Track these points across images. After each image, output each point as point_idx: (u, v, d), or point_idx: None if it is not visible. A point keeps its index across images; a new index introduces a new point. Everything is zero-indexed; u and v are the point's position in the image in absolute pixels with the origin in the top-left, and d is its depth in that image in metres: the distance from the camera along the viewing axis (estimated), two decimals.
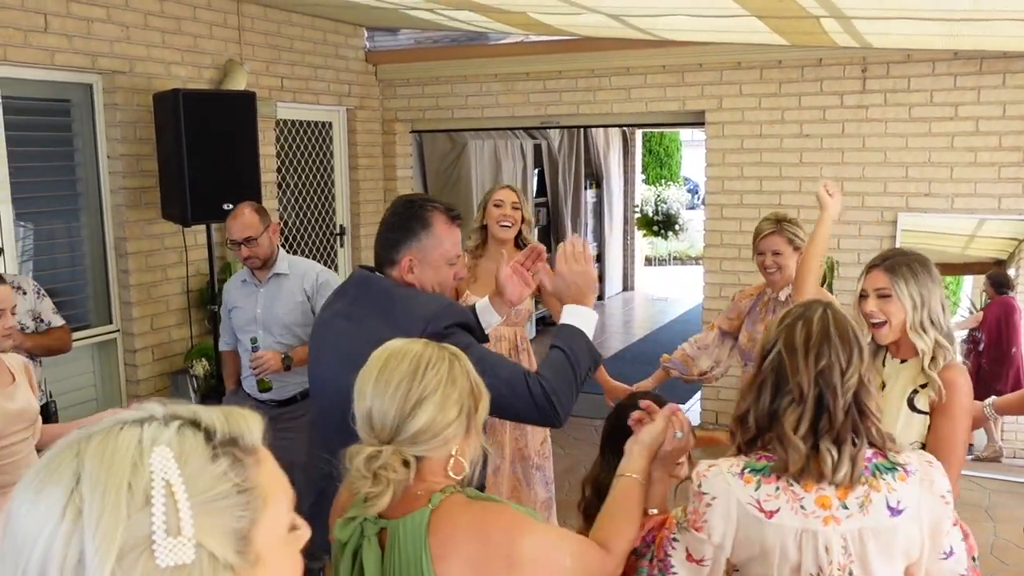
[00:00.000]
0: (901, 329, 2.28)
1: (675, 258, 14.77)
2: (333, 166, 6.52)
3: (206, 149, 4.49)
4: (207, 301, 4.95)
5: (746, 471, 1.62)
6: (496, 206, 3.62)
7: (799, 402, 1.62)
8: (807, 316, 1.67)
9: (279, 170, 5.90)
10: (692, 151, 16.07)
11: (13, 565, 0.67)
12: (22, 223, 4.42)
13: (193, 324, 5.09)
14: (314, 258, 6.27)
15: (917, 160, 5.29)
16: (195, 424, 0.74)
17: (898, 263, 2.30)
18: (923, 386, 2.26)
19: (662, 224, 15.60)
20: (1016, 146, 5.05)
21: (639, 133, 12.38)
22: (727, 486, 1.61)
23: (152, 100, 4.65)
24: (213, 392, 4.76)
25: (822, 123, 5.49)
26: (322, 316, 2.29)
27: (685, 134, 16.60)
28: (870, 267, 2.36)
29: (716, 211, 5.87)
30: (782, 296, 3.33)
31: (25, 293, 3.59)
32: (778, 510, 1.58)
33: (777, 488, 1.59)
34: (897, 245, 5.20)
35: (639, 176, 13.16)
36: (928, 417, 2.26)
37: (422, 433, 1.44)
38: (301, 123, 6.20)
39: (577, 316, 2.08)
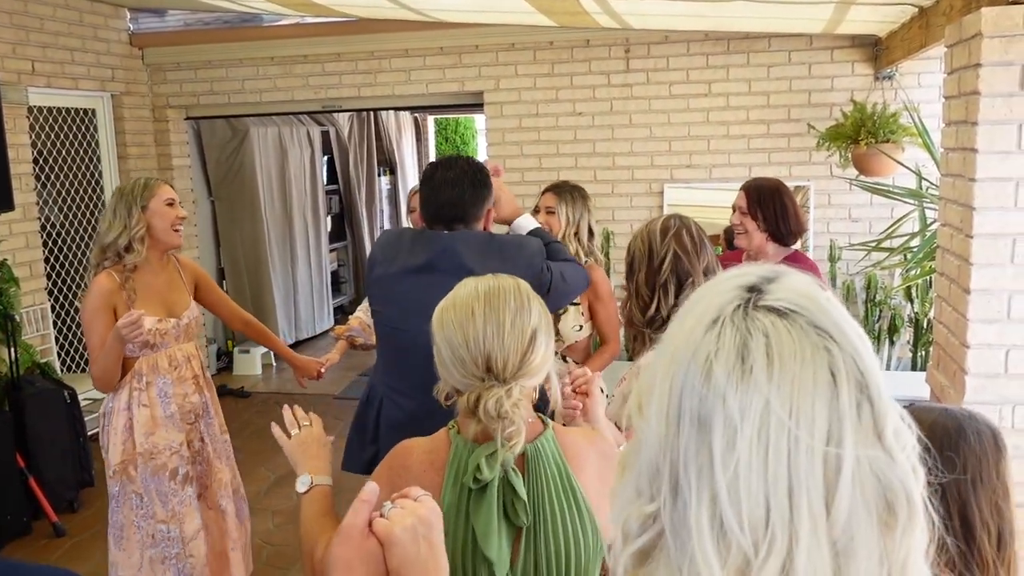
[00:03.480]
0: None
1: None
2: (100, 156, 6.11)
3: None
4: None
5: None
6: (168, 205, 2.97)
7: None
8: (686, 225, 2.16)
9: (36, 161, 5.46)
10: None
11: None
12: None
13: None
14: (82, 255, 5.87)
15: (679, 134, 5.68)
16: None
17: (563, 189, 3.28)
18: None
19: None
20: (761, 119, 5.54)
21: (431, 119, 12.46)
22: None
23: None
24: None
25: (592, 101, 5.77)
26: (403, 279, 2.35)
27: (480, 120, 16.88)
28: (544, 190, 3.33)
29: None
30: None
31: None
32: None
33: None
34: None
35: None
36: (580, 306, 3.13)
37: (540, 365, 1.49)
38: (59, 110, 5.76)
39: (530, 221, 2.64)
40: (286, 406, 1.83)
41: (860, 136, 4.80)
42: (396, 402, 2.40)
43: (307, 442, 1.73)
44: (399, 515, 1.07)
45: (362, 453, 2.51)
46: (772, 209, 3.06)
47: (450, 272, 2.01)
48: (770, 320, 0.71)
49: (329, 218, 9.05)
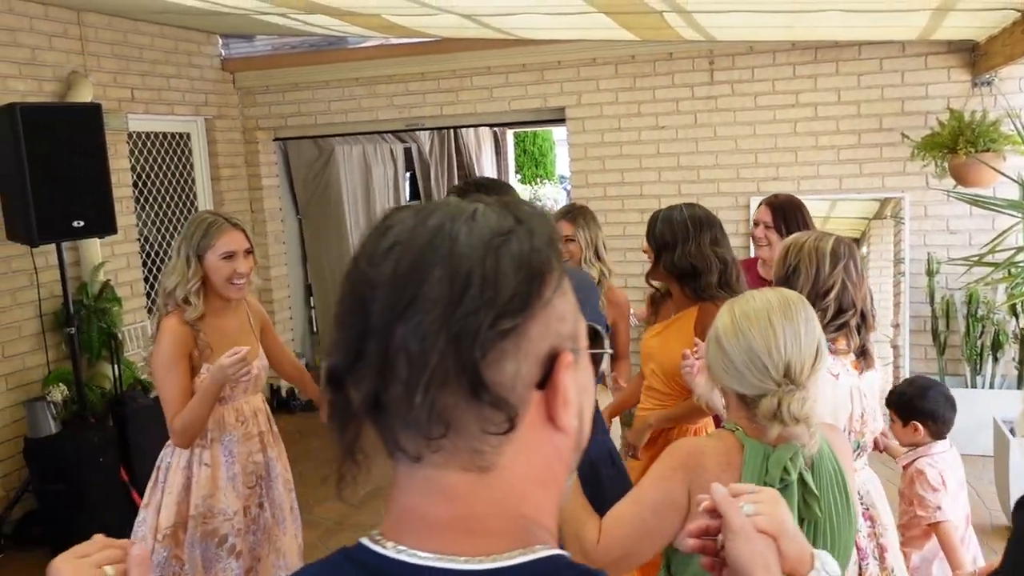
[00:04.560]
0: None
1: None
2: (194, 178, 6.33)
3: (51, 165, 4.28)
4: (63, 324, 4.73)
5: None
6: (226, 258, 2.72)
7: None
8: (852, 255, 2.27)
9: (135, 184, 5.69)
10: (566, 148, 16.34)
11: None
12: None
13: (49, 349, 4.85)
14: None
15: (765, 146, 5.57)
16: None
17: (575, 214, 3.37)
18: None
19: None
20: (852, 129, 5.39)
21: (510, 133, 12.52)
22: None
23: None
24: (74, 418, 4.55)
25: (676, 114, 5.70)
26: None
27: (558, 132, 16.89)
28: (558, 219, 3.32)
29: None
30: None
31: None
32: (839, 374, 2.20)
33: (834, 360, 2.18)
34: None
35: (514, 176, 13.31)
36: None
37: (821, 368, 1.60)
38: (157, 135, 5.99)
39: None
40: None
41: (958, 145, 4.63)
42: None
43: None
44: (771, 508, 1.10)
45: None
46: (796, 223, 3.28)
47: None
48: None
49: None
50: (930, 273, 5.20)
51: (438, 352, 0.67)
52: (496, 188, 2.03)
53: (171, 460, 2.73)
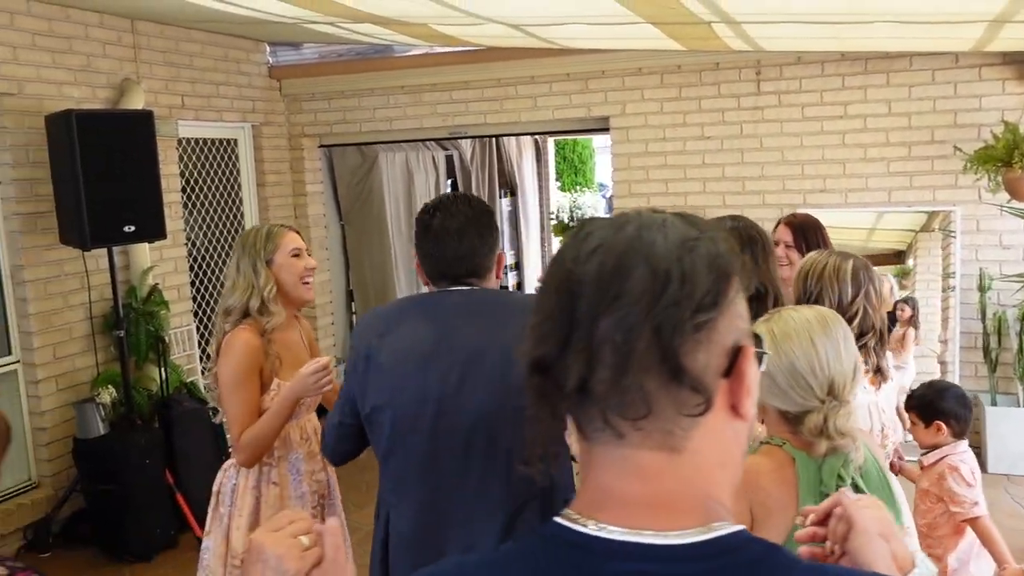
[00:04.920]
0: None
1: None
2: (240, 184, 6.42)
3: (104, 171, 4.37)
4: (112, 326, 4.81)
5: None
6: (294, 255, 2.68)
7: None
8: (871, 278, 2.28)
9: (184, 190, 5.78)
10: (606, 156, 16.32)
11: None
12: None
13: (98, 351, 4.94)
14: (221, 276, 6.16)
15: (812, 158, 5.50)
16: None
17: None
18: None
19: None
20: (902, 141, 5.30)
21: (551, 140, 12.52)
22: None
23: (44, 122, 4.50)
24: (122, 420, 4.63)
25: (721, 125, 5.66)
26: (411, 345, 1.94)
27: (598, 140, 16.86)
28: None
29: None
30: None
31: None
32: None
33: None
34: None
35: (554, 183, 13.31)
36: None
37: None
38: (205, 141, 6.08)
39: None
40: None
41: (1013, 159, 4.53)
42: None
43: None
44: (879, 513, 1.18)
45: None
46: (816, 242, 3.30)
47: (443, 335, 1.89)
48: None
49: None
50: (982, 289, 5.09)
51: (643, 340, 0.75)
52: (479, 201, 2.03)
53: (237, 481, 2.63)
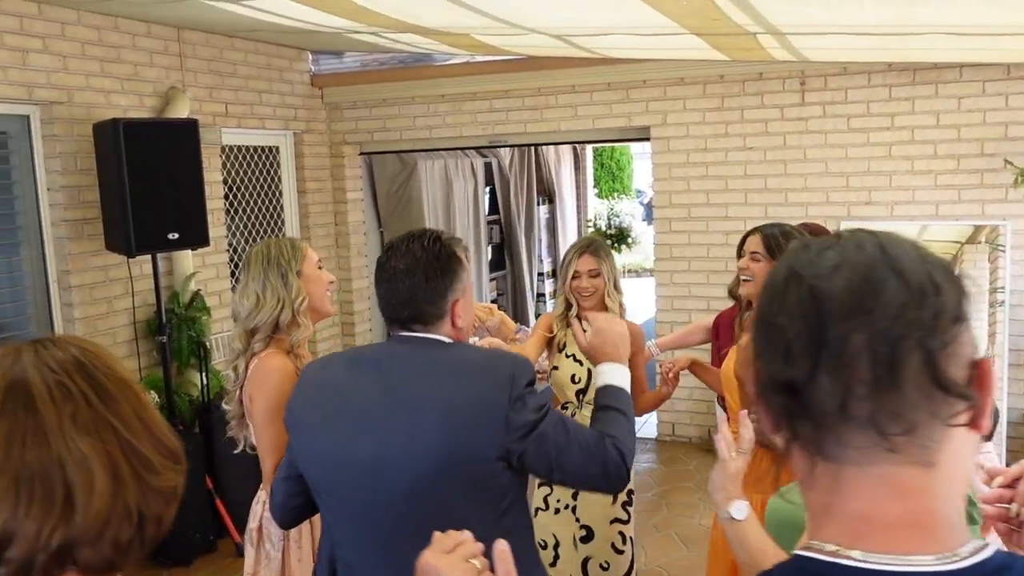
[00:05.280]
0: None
1: (630, 271, 14.89)
2: (282, 191, 6.47)
3: (149, 178, 4.42)
4: (155, 332, 4.88)
5: None
6: (319, 268, 2.69)
7: None
8: None
9: (226, 196, 5.84)
10: (644, 163, 16.26)
11: None
12: None
13: (141, 356, 5.00)
14: None
15: (857, 169, 5.42)
16: None
17: (599, 247, 3.22)
18: None
19: (615, 238, 15.73)
20: (950, 154, 5.20)
21: (589, 148, 12.49)
22: None
23: (92, 130, 4.58)
24: None
25: (764, 136, 5.59)
26: (340, 385, 1.84)
27: (636, 146, 16.79)
28: (580, 253, 3.17)
29: (665, 225, 5.94)
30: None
31: None
32: None
33: None
34: None
35: (591, 190, 13.28)
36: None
37: None
38: (247, 148, 6.14)
39: (619, 376, 1.99)
40: (720, 434, 1.74)
41: None
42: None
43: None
44: None
45: None
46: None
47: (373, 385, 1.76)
48: None
49: (489, 248, 9.21)
50: None
51: (907, 352, 0.74)
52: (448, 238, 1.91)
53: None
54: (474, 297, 3.78)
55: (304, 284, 2.53)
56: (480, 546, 1.07)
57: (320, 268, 2.63)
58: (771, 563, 1.47)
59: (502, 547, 1.04)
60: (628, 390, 1.98)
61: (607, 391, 1.96)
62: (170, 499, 0.96)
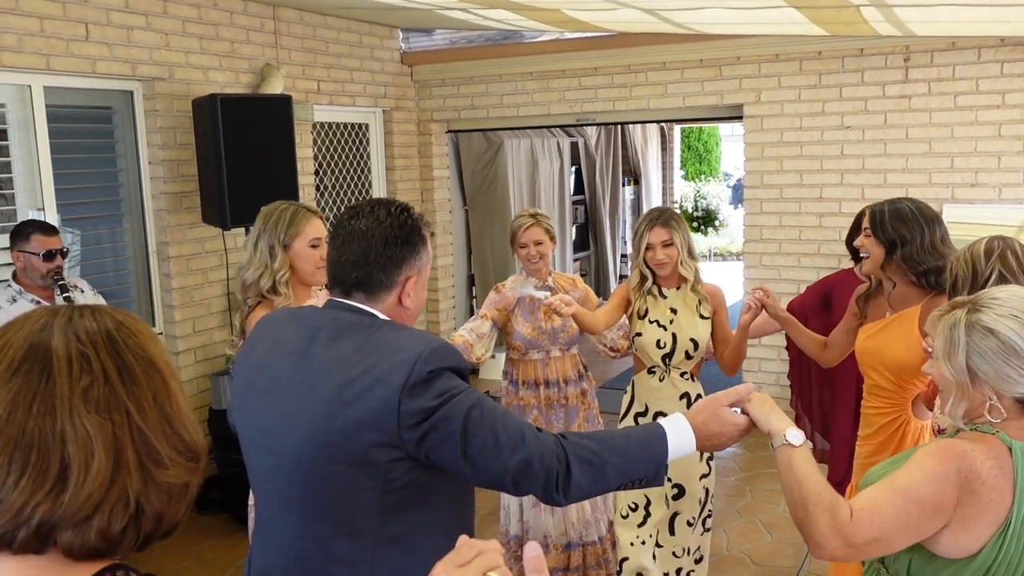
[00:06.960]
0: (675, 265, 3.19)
1: (716, 254, 14.62)
2: (370, 167, 6.56)
3: (244, 153, 4.53)
4: None
5: None
6: (313, 246, 2.73)
7: None
8: (1010, 246, 2.15)
9: (316, 172, 5.94)
10: (732, 145, 15.90)
11: None
12: (68, 229, 4.50)
13: (233, 326, 5.14)
14: None
15: (963, 150, 5.17)
16: None
17: (669, 217, 3.20)
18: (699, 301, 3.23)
19: (702, 220, 15.46)
20: None
21: (677, 128, 12.28)
22: None
23: (191, 106, 4.71)
24: None
25: (864, 114, 5.38)
26: (269, 354, 1.75)
27: (724, 128, 16.42)
28: (651, 224, 3.16)
29: (755, 206, 5.79)
30: (550, 282, 3.55)
31: (83, 292, 3.83)
32: None
33: None
34: None
35: (678, 172, 13.05)
36: (710, 320, 3.26)
37: None
38: (338, 125, 6.24)
39: (675, 450, 1.67)
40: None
41: None
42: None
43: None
44: None
45: None
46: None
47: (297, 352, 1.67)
48: None
49: (574, 228, 9.16)
50: None
51: None
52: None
53: None
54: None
55: (292, 258, 2.64)
56: (498, 558, 0.94)
57: (315, 247, 2.67)
58: (816, 490, 1.52)
59: (530, 550, 0.94)
60: (662, 470, 1.67)
61: (653, 437, 1.67)
62: (177, 497, 0.92)
